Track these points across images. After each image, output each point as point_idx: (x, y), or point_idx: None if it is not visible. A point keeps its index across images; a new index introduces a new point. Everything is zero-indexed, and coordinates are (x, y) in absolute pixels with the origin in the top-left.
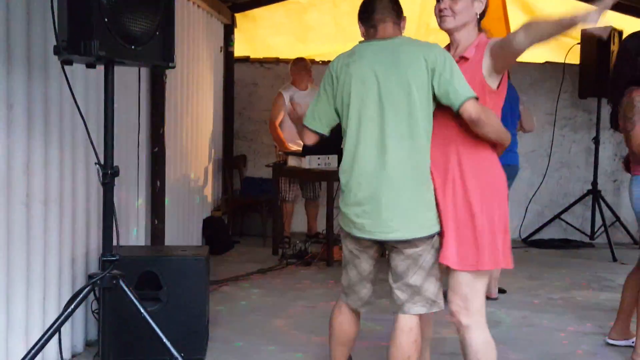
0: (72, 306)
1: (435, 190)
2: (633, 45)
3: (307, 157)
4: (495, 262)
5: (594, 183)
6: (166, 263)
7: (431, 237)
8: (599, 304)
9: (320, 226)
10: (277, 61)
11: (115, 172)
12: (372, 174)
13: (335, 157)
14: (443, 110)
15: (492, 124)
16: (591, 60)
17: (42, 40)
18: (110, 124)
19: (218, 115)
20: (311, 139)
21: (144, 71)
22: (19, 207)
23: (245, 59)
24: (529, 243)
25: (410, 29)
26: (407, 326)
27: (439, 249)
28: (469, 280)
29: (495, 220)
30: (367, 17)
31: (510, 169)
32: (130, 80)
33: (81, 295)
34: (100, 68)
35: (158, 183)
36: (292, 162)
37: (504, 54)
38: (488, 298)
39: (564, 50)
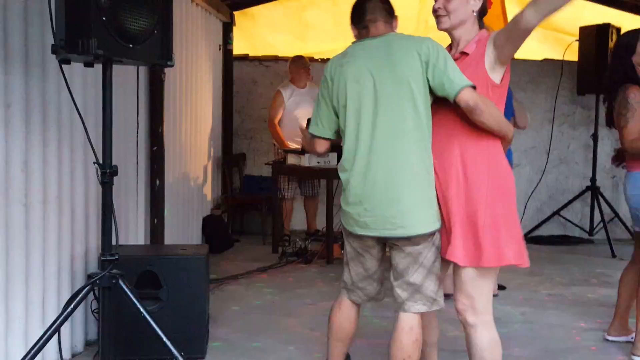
0: (72, 306)
1: (438, 185)
2: (623, 43)
3: (307, 154)
4: (498, 259)
5: (593, 179)
6: (166, 262)
7: (432, 234)
8: (598, 300)
9: (320, 224)
10: (276, 59)
11: (114, 171)
12: (373, 171)
13: (335, 154)
14: (444, 105)
15: (492, 112)
16: (589, 57)
17: (39, 39)
18: (109, 122)
19: (217, 114)
20: (322, 147)
21: (143, 70)
22: (18, 207)
23: (244, 57)
24: (528, 239)
25: (410, 27)
26: (408, 325)
27: (439, 247)
28: (473, 278)
29: (499, 216)
30: (358, 19)
31: None
32: (129, 79)
33: (81, 295)
34: (99, 67)
35: (157, 182)
36: (291, 160)
37: (513, 37)
38: None
39: (563, 47)
